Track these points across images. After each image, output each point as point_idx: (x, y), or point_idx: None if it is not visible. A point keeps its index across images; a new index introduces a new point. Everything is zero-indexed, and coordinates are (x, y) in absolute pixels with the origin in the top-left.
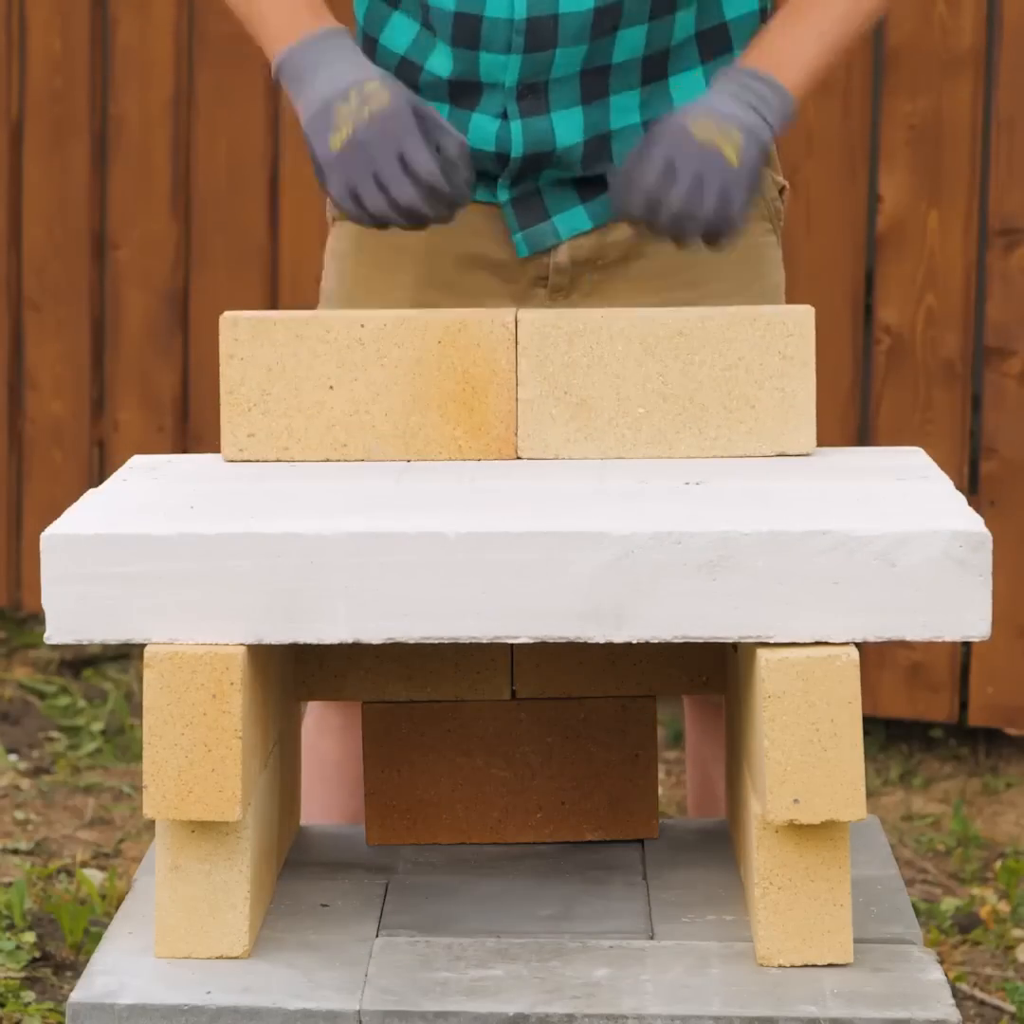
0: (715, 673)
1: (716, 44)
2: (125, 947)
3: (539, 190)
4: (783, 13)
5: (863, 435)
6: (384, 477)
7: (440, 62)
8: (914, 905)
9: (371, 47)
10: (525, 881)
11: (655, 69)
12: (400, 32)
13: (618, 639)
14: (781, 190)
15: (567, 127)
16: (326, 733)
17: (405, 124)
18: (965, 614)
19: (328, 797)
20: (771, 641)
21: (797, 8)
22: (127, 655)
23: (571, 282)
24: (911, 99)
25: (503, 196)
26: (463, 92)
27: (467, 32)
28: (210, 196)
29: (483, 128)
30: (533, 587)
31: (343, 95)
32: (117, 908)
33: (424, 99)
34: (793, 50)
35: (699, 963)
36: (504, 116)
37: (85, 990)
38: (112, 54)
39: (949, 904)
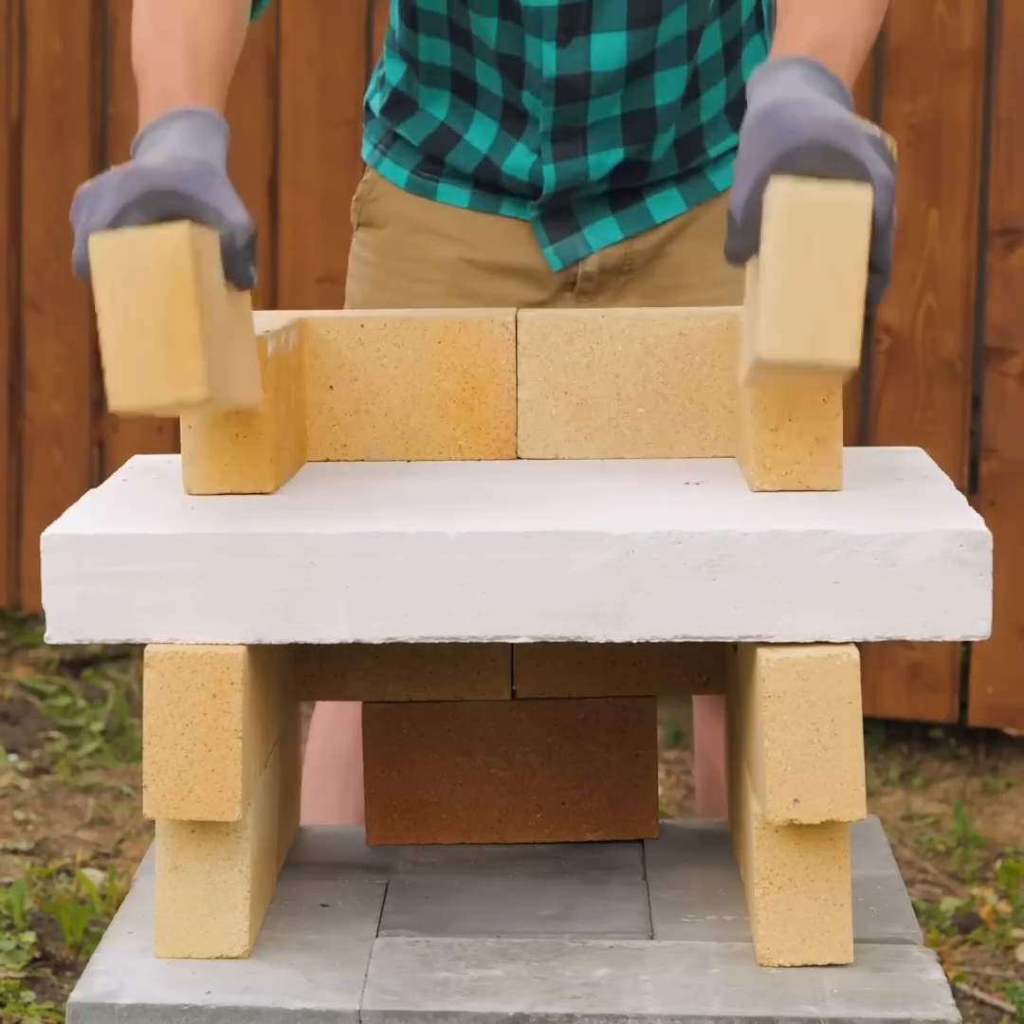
0: (715, 673)
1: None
2: (125, 947)
3: (570, 205)
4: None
5: (863, 435)
6: (384, 477)
7: (492, 81)
8: (914, 905)
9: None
10: (525, 881)
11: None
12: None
13: (618, 639)
14: None
15: (603, 163)
16: (341, 728)
17: (128, 183)
18: (965, 614)
19: (341, 792)
20: (771, 641)
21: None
22: (127, 655)
23: (598, 287)
24: (911, 99)
25: (531, 213)
26: (510, 116)
27: (509, 69)
28: None
29: (520, 159)
30: (533, 587)
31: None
32: (117, 908)
33: (482, 113)
34: (847, 49)
35: (699, 963)
36: (539, 154)
37: (85, 990)
38: (112, 54)
39: (949, 904)
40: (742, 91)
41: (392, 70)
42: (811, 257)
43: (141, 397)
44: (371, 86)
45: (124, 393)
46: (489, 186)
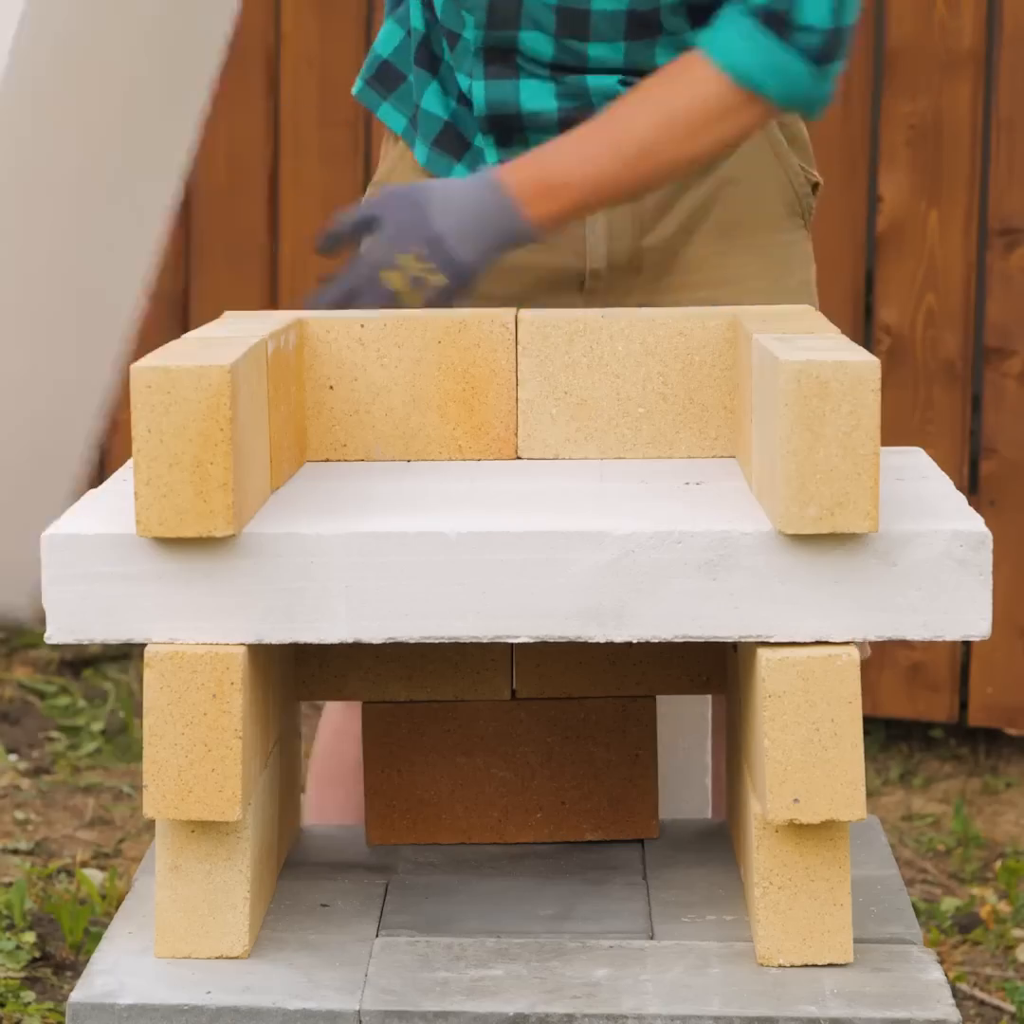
0: (715, 673)
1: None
2: (125, 947)
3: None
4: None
5: None
6: (384, 477)
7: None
8: (914, 905)
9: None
10: (525, 881)
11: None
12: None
13: (618, 639)
14: (814, 186)
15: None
16: (346, 738)
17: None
18: (965, 614)
19: (347, 800)
20: (771, 641)
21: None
22: (127, 655)
23: (608, 286)
24: (911, 99)
25: (492, 158)
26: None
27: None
28: (210, 196)
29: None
30: (533, 587)
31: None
32: (117, 908)
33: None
34: (550, 155)
35: (699, 963)
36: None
37: (85, 990)
38: None
39: (949, 904)
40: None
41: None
42: (823, 430)
43: (167, 527)
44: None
45: (150, 521)
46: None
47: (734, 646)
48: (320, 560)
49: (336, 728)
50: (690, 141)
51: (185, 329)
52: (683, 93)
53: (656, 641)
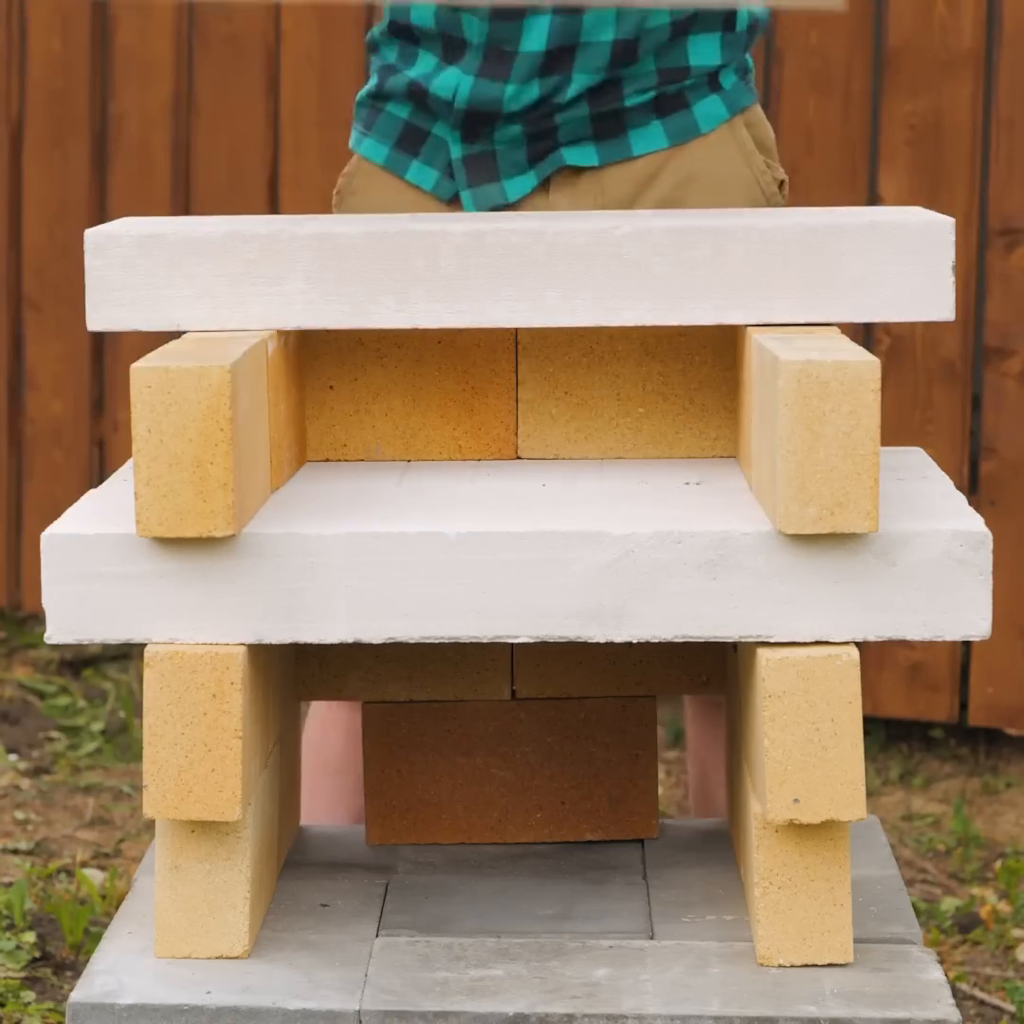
0: (715, 673)
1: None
2: (125, 947)
3: (491, 153)
4: None
5: None
6: (384, 477)
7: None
8: (914, 905)
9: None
10: (525, 881)
11: (624, 54)
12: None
13: (618, 639)
14: (781, 183)
15: (520, 93)
16: (331, 730)
17: None
18: (965, 614)
19: (334, 794)
20: (771, 641)
21: None
22: (127, 655)
23: None
24: (911, 99)
25: (455, 153)
26: (449, 45)
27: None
28: (210, 196)
29: (449, 79)
30: (533, 587)
31: None
32: (117, 908)
33: (420, 48)
34: None
35: (699, 963)
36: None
37: (85, 990)
38: (112, 54)
39: (949, 904)
40: (670, 67)
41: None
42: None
43: (167, 527)
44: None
45: (150, 522)
46: (410, 140)
47: (734, 646)
48: (320, 560)
49: (324, 719)
50: None
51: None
52: None
53: (656, 641)
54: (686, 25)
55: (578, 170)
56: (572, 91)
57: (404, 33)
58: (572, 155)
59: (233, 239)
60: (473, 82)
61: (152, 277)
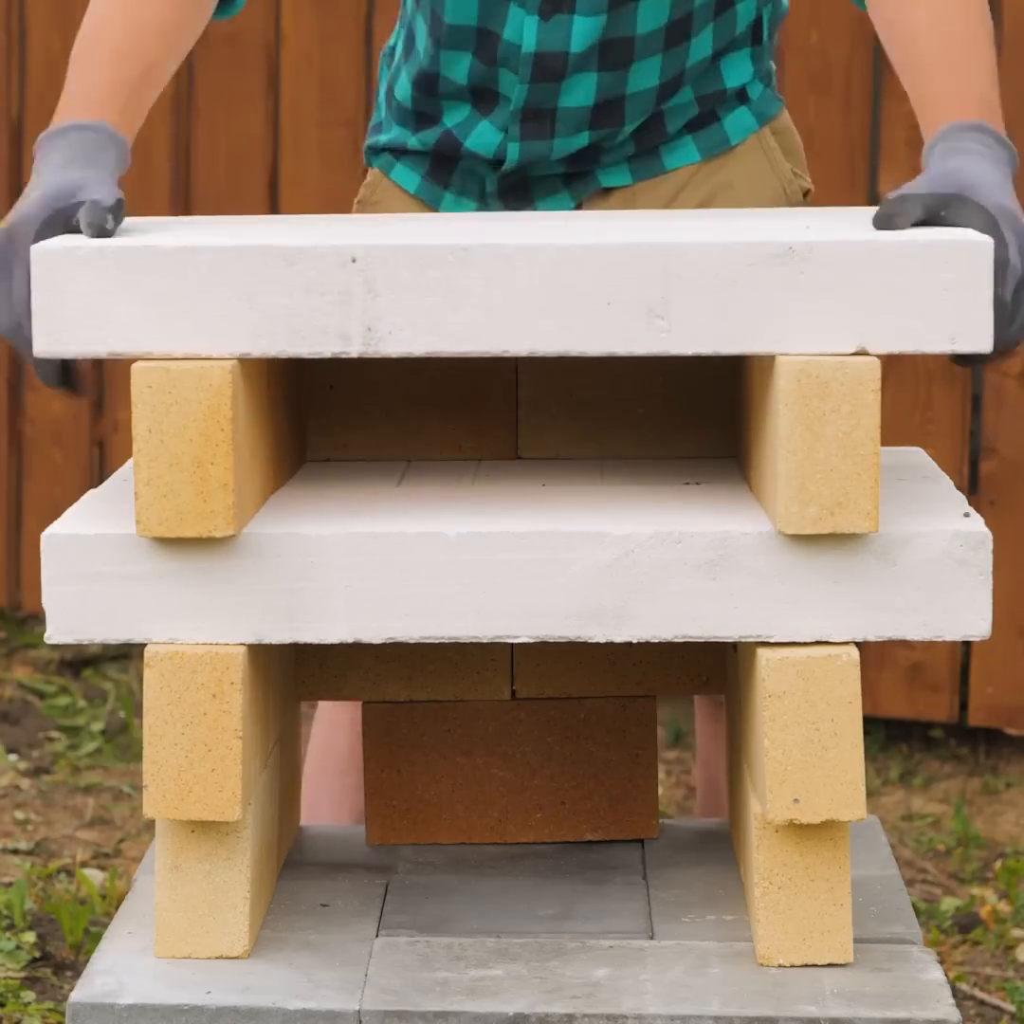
0: (715, 673)
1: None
2: (125, 947)
3: (525, 181)
4: (934, 44)
5: None
6: (384, 477)
7: (460, 70)
8: (914, 905)
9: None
10: (525, 881)
11: (668, 91)
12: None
13: (618, 639)
14: (805, 193)
15: (568, 146)
16: (338, 729)
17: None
18: (965, 614)
19: (341, 791)
20: (771, 641)
21: (939, 32)
22: (127, 655)
23: None
24: None
25: (490, 186)
26: (482, 98)
27: (484, 45)
28: (210, 196)
29: (486, 136)
30: (533, 587)
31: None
32: (117, 908)
33: (447, 102)
34: (985, 89)
35: (699, 963)
36: (506, 132)
37: (85, 990)
38: None
39: (949, 904)
40: (711, 89)
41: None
42: (823, 430)
43: (167, 527)
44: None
45: (150, 521)
46: (441, 169)
47: (734, 646)
48: (320, 560)
49: (329, 721)
50: None
51: None
52: None
53: (656, 641)
54: (723, 50)
55: (610, 188)
56: (622, 136)
57: (429, 86)
58: (608, 178)
59: (184, 254)
60: (520, 146)
61: (101, 296)
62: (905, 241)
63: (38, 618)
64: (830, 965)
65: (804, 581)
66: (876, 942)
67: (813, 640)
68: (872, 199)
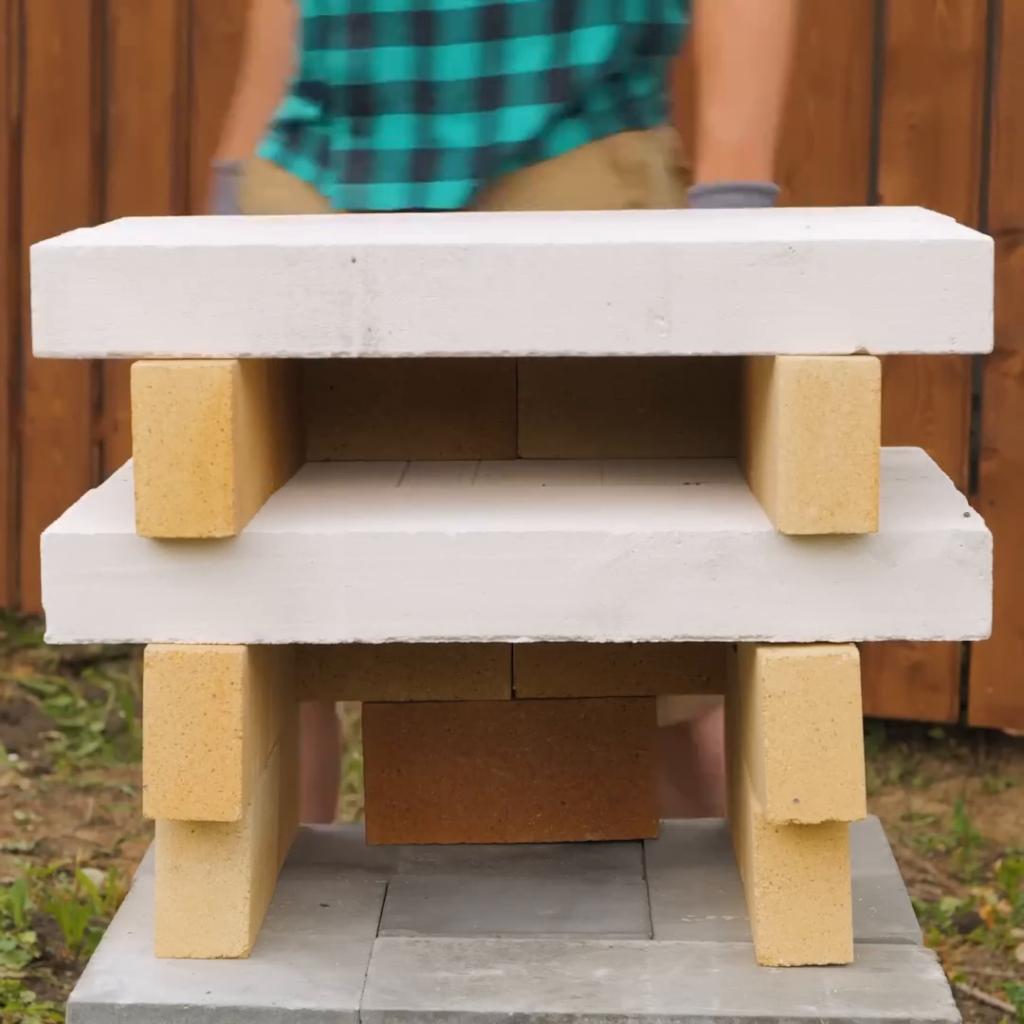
0: (715, 673)
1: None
2: (125, 947)
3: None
4: (716, 93)
5: None
6: (384, 477)
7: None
8: (914, 905)
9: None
10: (525, 881)
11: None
12: None
13: (618, 639)
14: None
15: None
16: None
17: None
18: (965, 614)
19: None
20: (771, 641)
21: (724, 79)
22: (127, 655)
23: None
24: (911, 99)
25: (342, 144)
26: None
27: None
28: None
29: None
30: (533, 587)
31: None
32: (117, 908)
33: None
34: (754, 138)
35: (699, 963)
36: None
37: (85, 990)
38: (112, 54)
39: (949, 904)
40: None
41: None
42: (823, 430)
43: (167, 527)
44: None
45: (150, 522)
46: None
47: (734, 646)
48: (320, 560)
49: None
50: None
51: None
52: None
53: (656, 641)
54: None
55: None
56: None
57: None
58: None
59: (184, 254)
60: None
61: (101, 296)
62: (905, 241)
63: (38, 618)
64: (830, 965)
65: (804, 581)
66: (876, 942)
67: (813, 640)
68: (872, 199)
